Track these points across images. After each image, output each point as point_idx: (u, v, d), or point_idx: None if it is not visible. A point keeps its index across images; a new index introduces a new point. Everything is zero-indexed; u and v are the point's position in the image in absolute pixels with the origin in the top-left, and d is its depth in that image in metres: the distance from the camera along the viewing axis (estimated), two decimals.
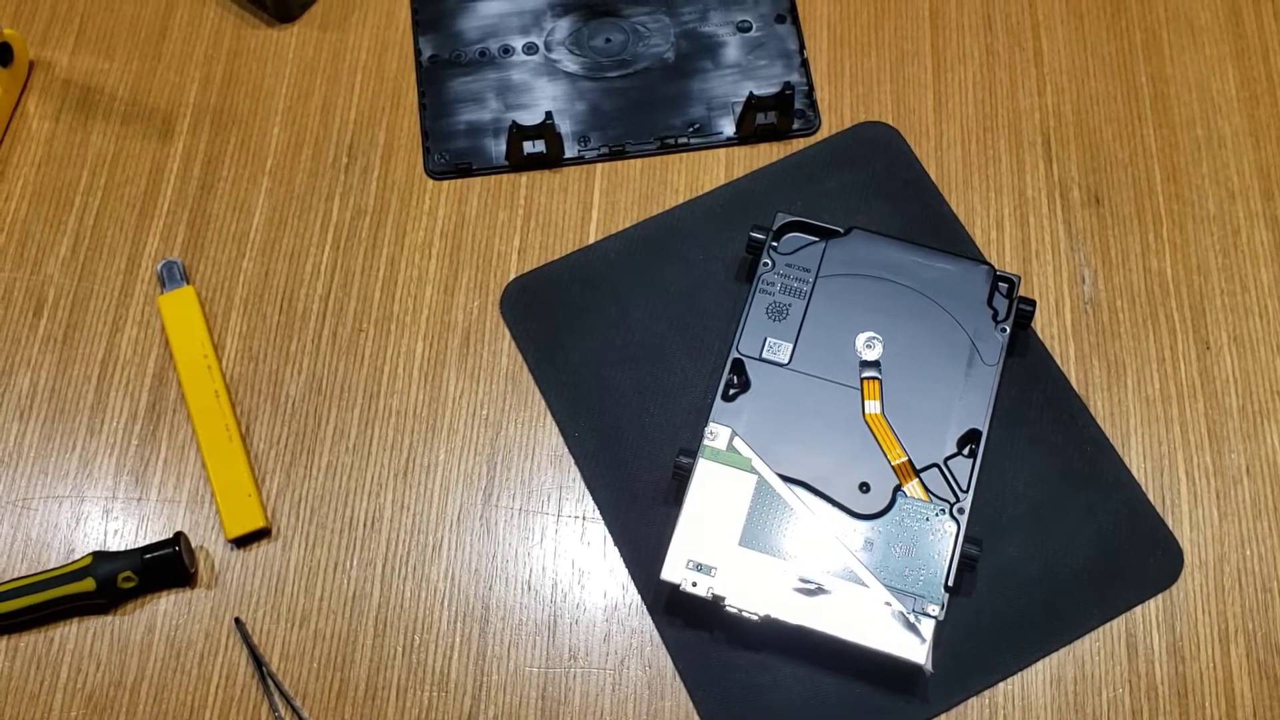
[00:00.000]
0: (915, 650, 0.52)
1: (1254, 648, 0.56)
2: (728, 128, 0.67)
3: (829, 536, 0.55)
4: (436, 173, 0.67)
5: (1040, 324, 0.62)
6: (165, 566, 0.56)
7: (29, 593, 0.56)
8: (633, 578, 0.57)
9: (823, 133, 0.67)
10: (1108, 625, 0.56)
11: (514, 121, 0.65)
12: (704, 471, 0.56)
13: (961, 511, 0.55)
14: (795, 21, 0.70)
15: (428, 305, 0.63)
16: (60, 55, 0.70)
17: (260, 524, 0.58)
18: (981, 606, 0.56)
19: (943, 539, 0.54)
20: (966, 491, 0.55)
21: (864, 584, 0.54)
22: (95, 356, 0.62)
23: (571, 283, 0.64)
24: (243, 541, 0.58)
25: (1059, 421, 0.60)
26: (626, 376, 0.61)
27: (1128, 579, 0.57)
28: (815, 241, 0.61)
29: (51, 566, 0.57)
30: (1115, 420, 0.60)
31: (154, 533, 0.58)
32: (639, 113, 0.68)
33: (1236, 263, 0.64)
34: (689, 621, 0.56)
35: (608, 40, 0.70)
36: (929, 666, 0.52)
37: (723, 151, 0.67)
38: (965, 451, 0.56)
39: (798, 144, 0.67)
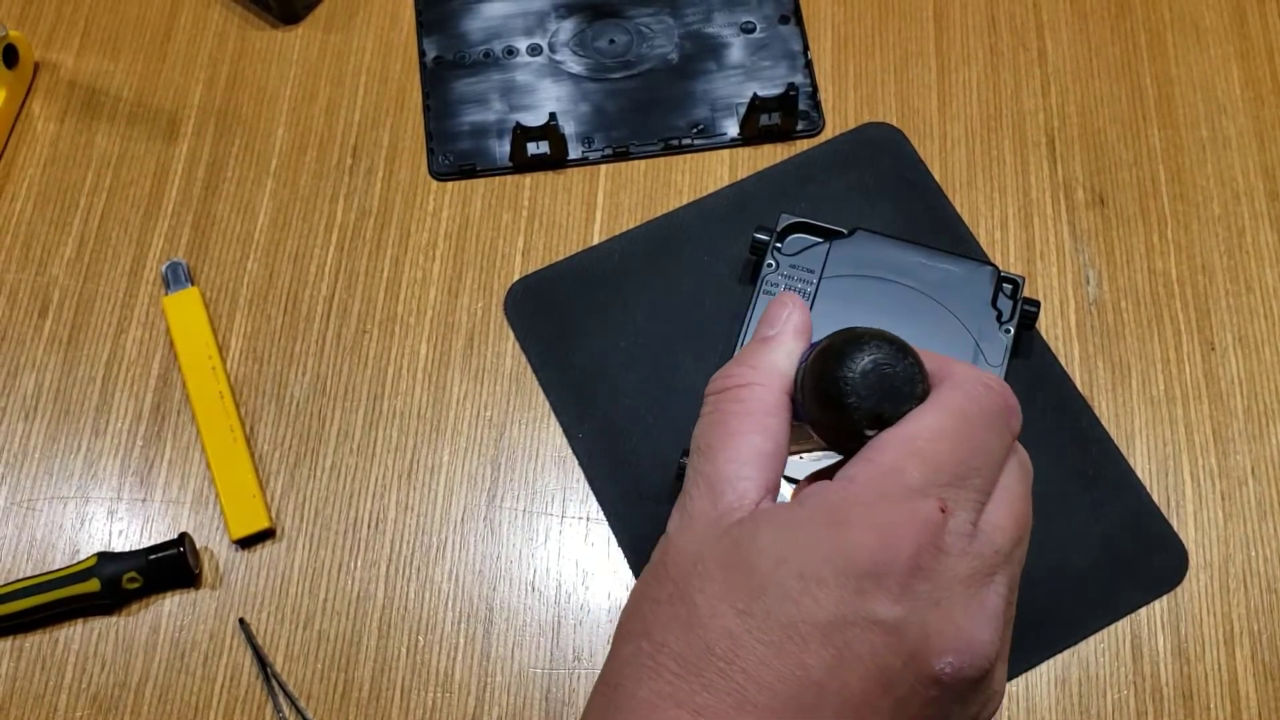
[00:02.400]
0: None
1: (1259, 649, 0.56)
2: (731, 129, 0.67)
3: None
4: (440, 174, 0.67)
5: (1045, 325, 0.62)
6: (170, 567, 0.56)
7: (34, 593, 0.56)
8: (637, 578, 0.57)
9: (827, 134, 0.67)
10: (1112, 627, 0.56)
11: (518, 123, 0.65)
12: None
13: None
14: (799, 22, 0.70)
15: (432, 306, 0.63)
16: (65, 57, 0.71)
17: (264, 525, 0.58)
18: None
19: None
20: None
21: None
22: (100, 358, 0.62)
23: (575, 284, 0.64)
24: (247, 542, 0.58)
25: (1063, 423, 0.60)
26: (630, 377, 0.61)
27: (1132, 580, 0.57)
28: (819, 242, 0.61)
29: (56, 567, 0.57)
30: (1120, 421, 0.60)
31: (158, 534, 0.59)
32: (643, 114, 0.68)
33: (1241, 263, 0.63)
34: None
35: (611, 41, 0.70)
36: None
37: (726, 152, 0.67)
38: None
39: (802, 145, 0.67)
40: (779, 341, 0.40)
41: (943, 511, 0.33)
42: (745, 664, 0.31)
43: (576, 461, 0.60)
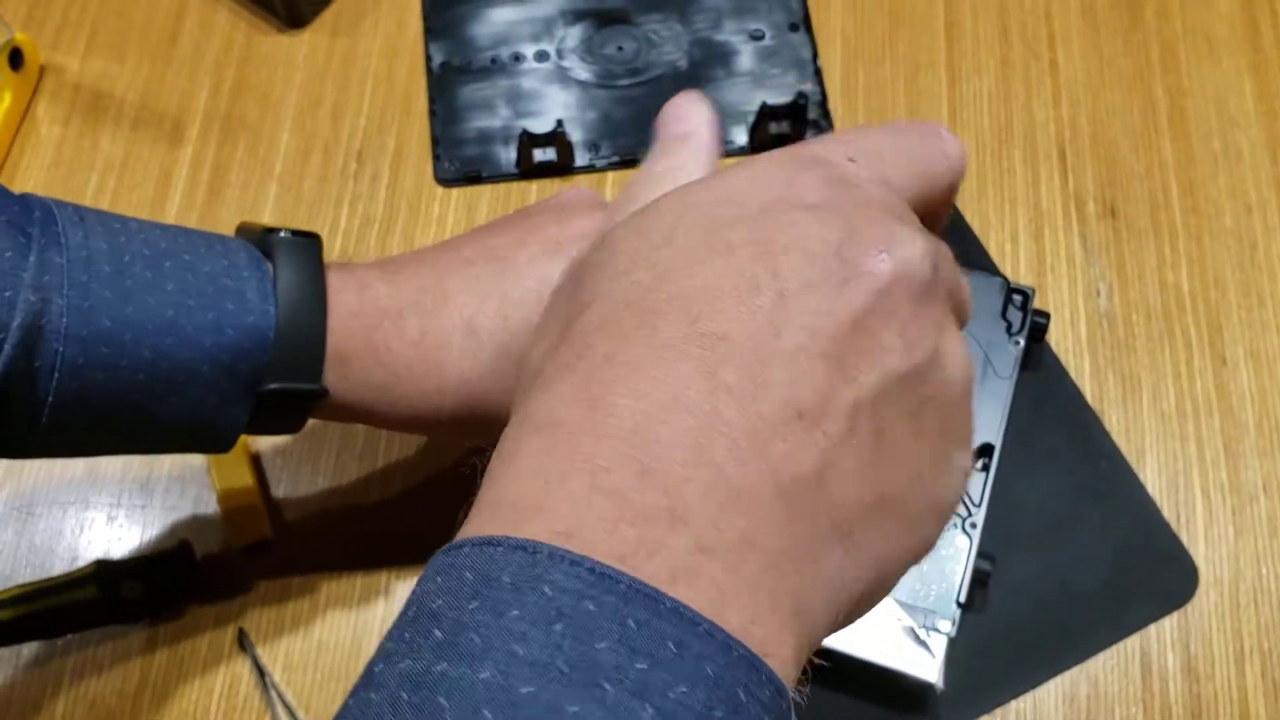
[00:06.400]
0: (927, 667, 0.52)
1: (1269, 667, 0.55)
2: (740, 137, 0.67)
3: None
4: (446, 180, 0.66)
5: (1055, 337, 0.61)
6: (169, 575, 0.56)
7: (32, 600, 0.55)
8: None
9: None
10: (1121, 643, 0.55)
11: (525, 129, 0.65)
12: None
13: (974, 526, 0.54)
14: (809, 30, 0.70)
15: None
16: (70, 60, 0.70)
17: (265, 533, 0.57)
18: (993, 623, 0.55)
19: (955, 554, 0.54)
20: (979, 506, 0.55)
21: None
22: None
23: None
24: (247, 550, 0.58)
25: (1073, 436, 0.59)
26: None
27: (1142, 596, 0.56)
28: None
29: (55, 574, 0.57)
30: (1130, 436, 0.59)
31: (158, 541, 0.58)
32: (651, 121, 0.67)
33: (1253, 277, 0.63)
34: None
35: (619, 48, 0.70)
36: (940, 684, 0.52)
37: (735, 161, 0.66)
38: (978, 465, 0.56)
39: None
40: (699, 138, 0.40)
41: (851, 161, 0.32)
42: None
43: None
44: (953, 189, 0.35)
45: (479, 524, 0.27)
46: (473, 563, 0.25)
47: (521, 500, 0.27)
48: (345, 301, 0.45)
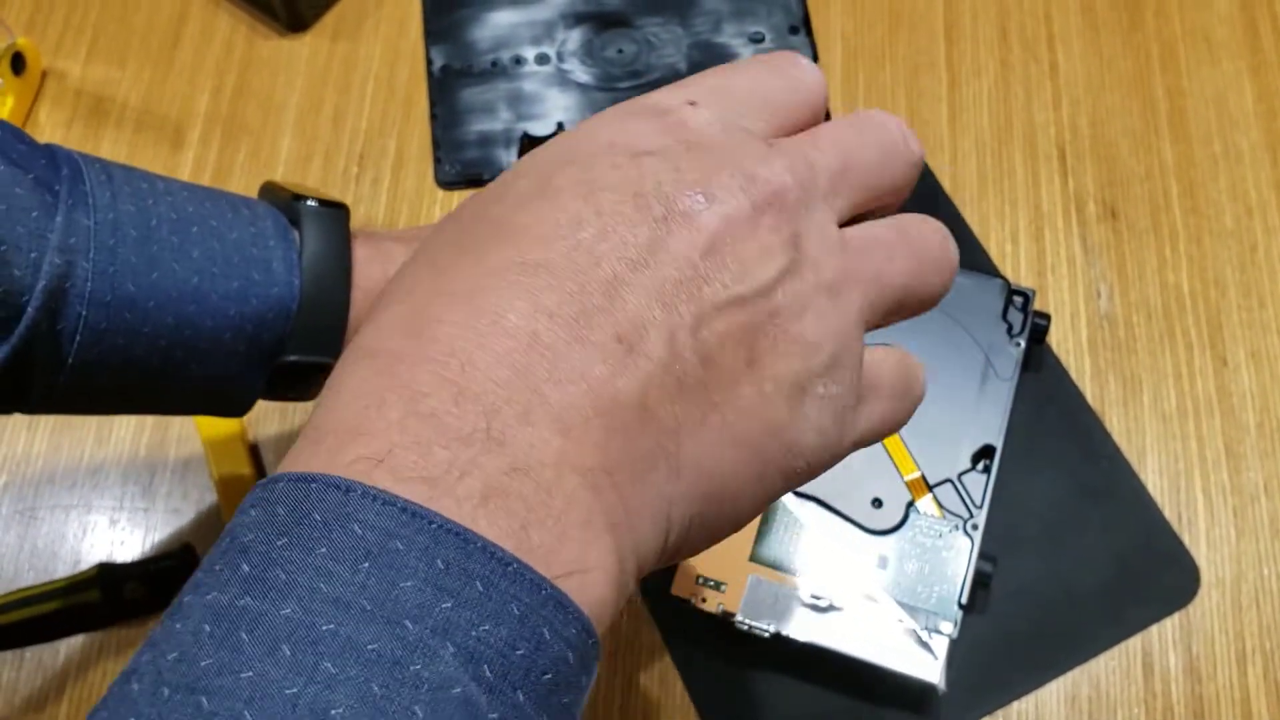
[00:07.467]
0: (928, 669, 0.52)
1: (1271, 667, 0.55)
2: None
3: (841, 552, 0.54)
4: (447, 183, 0.66)
5: (1055, 339, 0.62)
6: (172, 578, 0.56)
7: (34, 603, 0.55)
8: (641, 592, 0.57)
9: None
10: (1123, 644, 0.55)
11: (525, 132, 0.65)
12: None
13: (975, 528, 0.54)
14: (809, 33, 0.70)
15: None
16: (72, 65, 0.70)
17: None
18: (995, 624, 0.55)
19: (956, 555, 0.54)
20: (980, 507, 0.55)
21: (876, 601, 0.53)
22: None
23: None
24: None
25: (1074, 437, 0.59)
26: None
27: (1143, 597, 0.56)
28: None
29: (58, 577, 0.57)
30: (1131, 437, 0.59)
31: (161, 544, 0.58)
32: None
33: (1254, 278, 0.63)
34: (698, 638, 0.56)
35: (620, 51, 0.70)
36: (942, 685, 0.52)
37: None
38: (979, 467, 0.56)
39: None
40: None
41: (691, 104, 0.32)
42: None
43: None
44: (813, 113, 0.34)
45: (297, 454, 0.27)
46: (286, 498, 0.25)
47: (340, 426, 0.27)
48: (370, 274, 0.45)
